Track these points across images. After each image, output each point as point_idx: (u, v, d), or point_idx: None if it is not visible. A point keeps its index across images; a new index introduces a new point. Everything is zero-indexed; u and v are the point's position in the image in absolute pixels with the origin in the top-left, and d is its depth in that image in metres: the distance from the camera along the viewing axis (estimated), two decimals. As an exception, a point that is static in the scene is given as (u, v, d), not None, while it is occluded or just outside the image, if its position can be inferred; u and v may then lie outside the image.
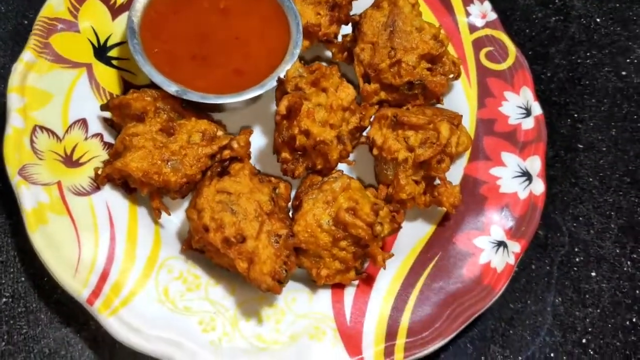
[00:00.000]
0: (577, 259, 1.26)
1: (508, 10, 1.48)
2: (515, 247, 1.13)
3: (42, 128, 1.09)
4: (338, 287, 1.09)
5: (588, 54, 1.49)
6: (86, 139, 1.12)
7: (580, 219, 1.30)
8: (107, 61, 1.19)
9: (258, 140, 1.22)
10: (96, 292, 0.99)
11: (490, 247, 1.14)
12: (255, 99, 1.21)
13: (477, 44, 1.33)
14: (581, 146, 1.38)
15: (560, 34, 1.50)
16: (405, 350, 1.02)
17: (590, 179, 1.34)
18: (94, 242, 1.03)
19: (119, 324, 0.97)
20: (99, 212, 1.06)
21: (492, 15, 1.35)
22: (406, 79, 1.18)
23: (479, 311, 1.07)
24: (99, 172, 1.07)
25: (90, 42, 1.19)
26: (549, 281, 1.23)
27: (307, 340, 1.03)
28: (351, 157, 1.19)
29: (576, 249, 1.27)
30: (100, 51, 1.19)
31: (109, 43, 1.20)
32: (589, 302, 1.21)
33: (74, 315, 1.07)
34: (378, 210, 1.05)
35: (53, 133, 1.09)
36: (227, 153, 1.08)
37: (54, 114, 1.11)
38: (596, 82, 1.45)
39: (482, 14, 1.35)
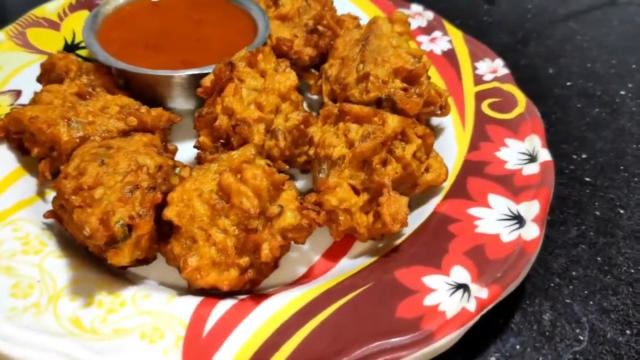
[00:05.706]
0: (600, 364, 0.83)
1: (536, 96, 1.26)
2: (482, 292, 0.77)
3: (-28, 85, 1.04)
4: (213, 296, 0.79)
5: (639, 145, 1.19)
6: (11, 105, 1.04)
7: (612, 315, 0.89)
8: (72, 55, 1.16)
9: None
10: None
11: (446, 288, 0.79)
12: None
13: (481, 95, 1.12)
14: (622, 233, 1.01)
15: (606, 123, 1.24)
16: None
17: (632, 271, 0.95)
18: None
19: None
20: (-24, 162, 0.93)
21: (504, 71, 1.16)
22: (373, 95, 0.99)
23: (404, 357, 0.70)
24: (-3, 122, 0.96)
25: (65, 39, 1.18)
26: (548, 383, 0.80)
27: (136, 339, 0.72)
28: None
29: (601, 350, 0.84)
30: (71, 47, 1.17)
31: (82, 44, 1.19)
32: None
33: None
34: (277, 183, 0.79)
35: (-20, 91, 1.04)
36: (132, 119, 0.93)
37: (-7, 79, 1.07)
38: (649, 173, 1.13)
39: (491, 69, 1.17)
